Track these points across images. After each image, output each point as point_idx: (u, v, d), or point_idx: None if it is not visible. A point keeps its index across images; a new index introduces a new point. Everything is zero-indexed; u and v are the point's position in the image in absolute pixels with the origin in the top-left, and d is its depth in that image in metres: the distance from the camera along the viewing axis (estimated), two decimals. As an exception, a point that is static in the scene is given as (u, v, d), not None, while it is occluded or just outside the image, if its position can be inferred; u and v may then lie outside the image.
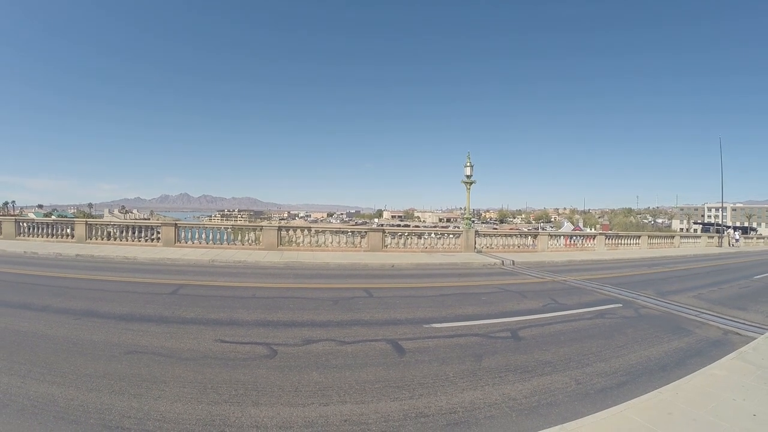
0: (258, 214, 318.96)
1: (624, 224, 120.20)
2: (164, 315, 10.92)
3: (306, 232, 29.16)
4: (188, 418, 5.79)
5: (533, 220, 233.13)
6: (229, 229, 29.83)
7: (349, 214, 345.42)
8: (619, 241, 40.61)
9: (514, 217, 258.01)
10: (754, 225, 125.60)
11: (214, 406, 6.11)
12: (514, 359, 8.42)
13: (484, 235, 32.99)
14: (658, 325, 11.70)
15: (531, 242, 34.27)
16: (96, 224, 30.30)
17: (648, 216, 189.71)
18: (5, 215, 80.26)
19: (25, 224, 31.02)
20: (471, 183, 31.33)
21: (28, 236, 29.79)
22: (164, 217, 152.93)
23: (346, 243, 28.88)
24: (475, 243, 30.76)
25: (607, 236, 39.92)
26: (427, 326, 10.60)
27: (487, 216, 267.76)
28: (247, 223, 58.97)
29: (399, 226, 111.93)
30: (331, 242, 28.66)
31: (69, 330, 9.50)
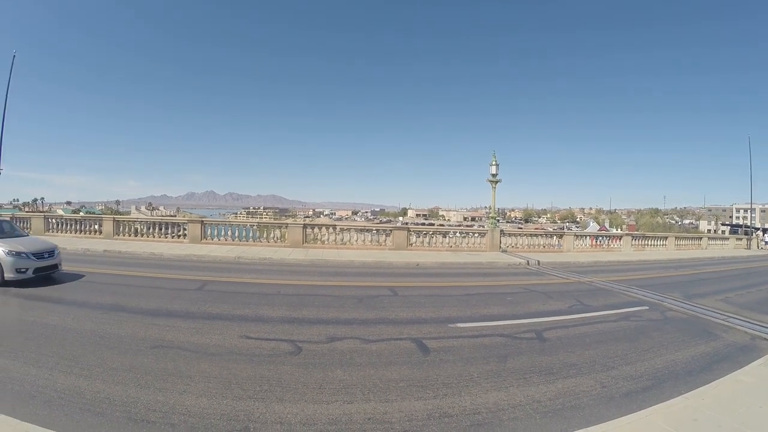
0: (283, 212, 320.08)
1: (650, 225, 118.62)
2: (190, 311, 11.05)
3: (331, 230, 29.34)
4: (213, 412, 5.82)
5: (558, 219, 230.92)
6: (255, 227, 30.02)
7: (373, 212, 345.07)
8: (646, 242, 39.94)
9: (539, 217, 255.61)
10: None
11: (238, 402, 6.14)
12: (539, 361, 8.34)
13: (509, 235, 32.79)
14: (685, 329, 11.51)
15: (556, 242, 33.94)
16: (123, 221, 30.83)
17: (675, 217, 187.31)
18: (34, 211, 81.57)
19: (53, 220, 31.74)
20: (496, 182, 31.17)
21: (57, 232, 30.31)
22: (190, 214, 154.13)
23: (370, 241, 28.91)
24: (501, 242, 30.57)
25: (633, 237, 39.40)
26: (451, 326, 10.57)
27: (512, 215, 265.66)
28: (272, 221, 59.31)
29: (423, 224, 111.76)
30: (356, 240, 28.71)
31: (96, 324, 9.66)
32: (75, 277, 15.15)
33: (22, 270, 13.41)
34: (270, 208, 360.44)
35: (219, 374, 7.08)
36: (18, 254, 13.50)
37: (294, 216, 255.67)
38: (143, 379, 6.81)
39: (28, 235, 16.45)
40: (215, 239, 28.21)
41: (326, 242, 28.22)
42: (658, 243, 40.90)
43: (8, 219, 17.32)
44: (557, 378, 7.54)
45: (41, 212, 60.27)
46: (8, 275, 13.20)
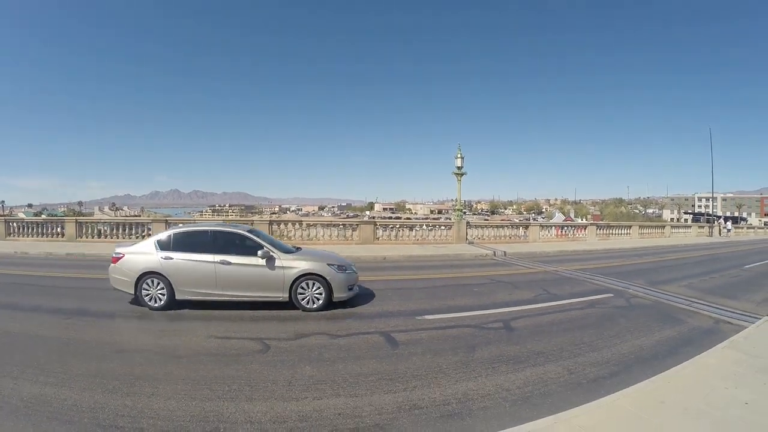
0: (249, 209, 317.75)
1: (615, 214, 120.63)
2: (155, 313, 10.91)
3: (297, 225, 29.17)
4: (182, 415, 5.77)
5: (524, 211, 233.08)
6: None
7: (340, 207, 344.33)
8: (610, 231, 40.62)
9: (506, 208, 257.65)
10: (744, 215, 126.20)
11: (207, 403, 6.10)
12: (507, 350, 8.44)
13: (476, 227, 33.03)
14: (650, 315, 11.73)
15: (522, 233, 34.20)
16: (86, 222, 30.32)
17: (639, 206, 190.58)
18: None
19: (14, 224, 30.87)
20: (462, 174, 31.39)
21: (18, 236, 29.64)
22: (155, 213, 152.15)
23: (337, 236, 28.86)
24: (467, 234, 30.79)
25: (598, 226, 40.07)
26: (419, 318, 10.63)
27: (478, 207, 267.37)
28: (238, 218, 58.86)
29: (390, 218, 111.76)
30: (323, 235, 28.69)
31: (60, 330, 9.49)
32: (38, 281, 14.89)
33: (352, 287, 12.16)
34: (236, 205, 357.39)
35: (187, 376, 7.04)
36: (345, 268, 12.06)
37: (260, 212, 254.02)
38: (110, 384, 6.72)
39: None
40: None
41: (293, 238, 27.99)
42: (623, 232, 41.58)
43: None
44: (525, 366, 7.64)
45: (1, 216, 58.84)
46: (339, 295, 11.63)
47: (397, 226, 30.86)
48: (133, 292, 11.17)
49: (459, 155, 31.11)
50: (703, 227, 56.55)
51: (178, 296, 11.04)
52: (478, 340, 9.07)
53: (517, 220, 70.57)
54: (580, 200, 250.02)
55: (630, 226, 43.63)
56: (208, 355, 7.97)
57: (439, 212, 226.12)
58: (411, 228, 31.01)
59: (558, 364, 7.77)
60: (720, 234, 56.74)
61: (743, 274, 20.62)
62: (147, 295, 11.06)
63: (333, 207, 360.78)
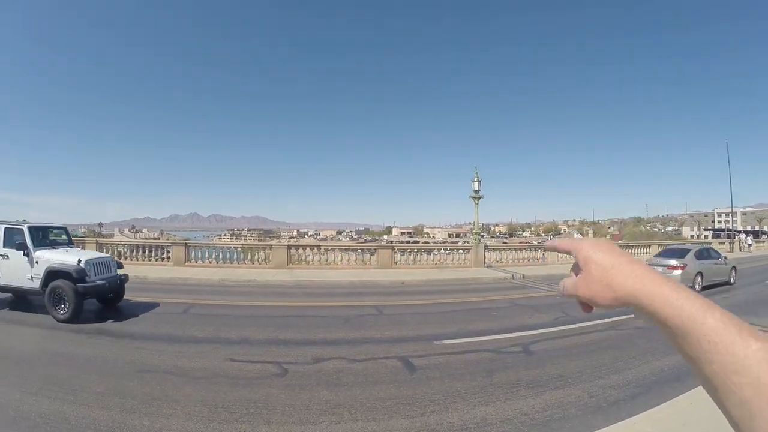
0: (267, 233, 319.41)
1: (634, 233, 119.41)
2: (175, 334, 10.98)
3: (315, 250, 29.25)
4: None
5: (542, 232, 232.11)
6: (239, 248, 29.99)
7: (358, 232, 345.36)
8: (630, 250, 39.88)
9: (523, 231, 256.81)
10: (766, 228, 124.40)
11: (225, 425, 6.10)
12: (526, 374, 8.36)
13: (494, 250, 32.93)
14: (671, 336, 11.52)
15: (541, 255, 33.97)
16: (106, 243, 30.56)
17: (658, 224, 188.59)
18: None
19: None
20: (479, 198, 31.35)
21: None
22: (174, 236, 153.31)
23: (355, 260, 28.90)
24: (485, 257, 30.63)
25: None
26: (437, 343, 10.56)
27: (496, 230, 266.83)
28: (256, 242, 59.25)
29: (408, 242, 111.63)
30: (341, 260, 28.69)
31: (81, 348, 9.61)
32: None
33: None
34: (254, 229, 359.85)
35: (205, 397, 7.03)
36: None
37: (278, 237, 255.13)
38: (129, 403, 6.75)
39: None
40: (199, 261, 28.01)
41: (311, 263, 28.19)
42: (642, 251, 41.13)
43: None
44: (544, 390, 7.55)
45: None
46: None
47: (415, 250, 30.74)
48: None
49: (476, 178, 31.09)
50: (723, 243, 55.76)
51: None
52: (497, 364, 9.01)
53: (536, 243, 70.26)
54: (598, 220, 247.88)
55: (649, 245, 43.08)
56: (226, 378, 7.98)
57: (457, 236, 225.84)
58: (429, 252, 30.92)
59: (578, 387, 7.67)
60: (741, 249, 56.00)
61: (765, 291, 20.34)
62: None
63: (351, 231, 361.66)
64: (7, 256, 13.13)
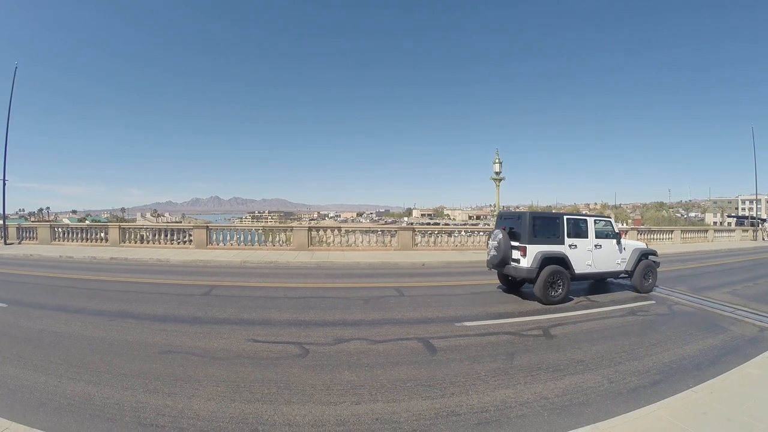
0: (288, 215, 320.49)
1: (656, 219, 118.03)
2: (197, 316, 11.10)
3: (336, 232, 29.29)
4: (222, 416, 5.86)
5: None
6: (260, 231, 30.19)
7: (378, 213, 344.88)
8: (652, 236, 39.65)
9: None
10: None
11: (247, 405, 6.18)
12: (546, 357, 8.35)
13: (515, 232, 32.65)
14: (692, 322, 11.45)
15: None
16: (129, 228, 31.10)
17: (680, 210, 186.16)
18: (40, 221, 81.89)
19: (59, 229, 32.35)
20: (500, 179, 31.10)
21: (63, 241, 30.92)
22: (196, 219, 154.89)
23: (376, 242, 28.95)
24: (507, 239, 30.12)
25: (639, 231, 39.08)
26: (458, 324, 10.56)
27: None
28: (277, 224, 59.56)
29: (429, 224, 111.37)
30: (362, 242, 28.74)
31: (104, 331, 9.74)
32: (83, 284, 15.28)
33: None
34: (275, 211, 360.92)
35: (227, 378, 7.13)
36: None
37: (299, 219, 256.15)
38: (152, 384, 6.87)
39: None
40: (221, 244, 28.32)
41: (332, 244, 28.26)
42: (664, 237, 40.68)
43: None
44: (564, 374, 7.53)
45: (47, 222, 61.04)
46: None
47: (436, 232, 30.65)
48: None
49: (497, 160, 30.82)
50: (747, 231, 54.60)
51: None
52: (518, 347, 8.99)
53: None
54: (620, 204, 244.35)
55: (672, 231, 42.60)
56: (248, 358, 8.07)
57: (478, 218, 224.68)
58: (449, 234, 30.78)
59: (597, 373, 7.64)
60: (764, 238, 54.90)
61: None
62: None
63: (371, 213, 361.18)
64: (600, 245, 14.65)
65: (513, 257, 13.72)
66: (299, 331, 9.88)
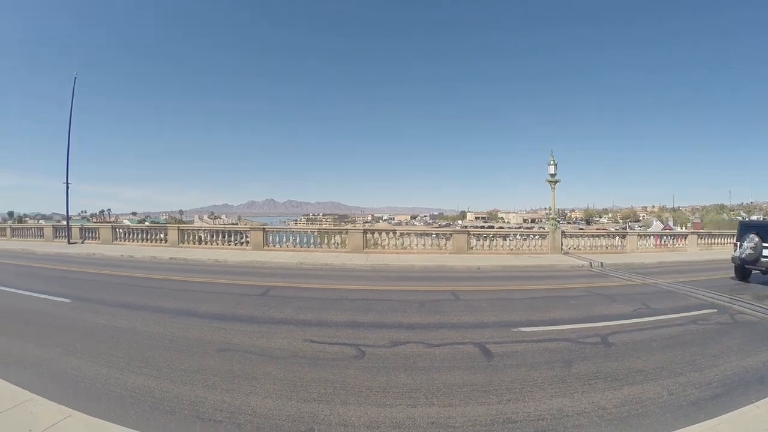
0: (342, 218, 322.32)
1: (716, 222, 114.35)
2: (255, 315, 11.32)
3: (391, 234, 29.40)
4: (278, 414, 5.95)
5: (620, 219, 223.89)
6: (315, 233, 30.51)
7: (432, 216, 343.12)
8: (712, 240, 38.15)
9: (601, 217, 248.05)
10: None
11: (303, 404, 6.25)
12: (604, 366, 8.14)
13: (571, 236, 32.16)
14: (756, 333, 10.98)
15: (619, 243, 32.90)
16: (187, 229, 32.09)
17: (742, 212, 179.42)
18: (102, 222, 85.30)
19: (120, 230, 34.09)
20: (555, 182, 30.68)
21: (124, 241, 32.37)
22: (251, 222, 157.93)
23: (431, 245, 28.83)
24: (562, 244, 29.93)
25: (699, 235, 37.76)
26: (515, 330, 10.44)
27: (572, 216, 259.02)
28: (332, 227, 60.20)
29: (483, 227, 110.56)
30: (416, 245, 28.64)
31: (165, 328, 10.04)
32: (144, 282, 15.92)
33: None
34: (329, 214, 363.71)
35: (284, 377, 7.24)
36: None
37: (353, 221, 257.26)
38: (210, 380, 7.05)
39: None
40: (277, 246, 28.73)
41: (386, 247, 28.32)
42: (726, 241, 39.18)
43: None
44: (623, 384, 7.34)
45: (108, 223, 63.49)
46: None
47: (491, 235, 30.41)
48: None
49: (552, 162, 30.38)
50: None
51: None
52: (575, 354, 8.81)
53: (613, 229, 67.99)
54: (678, 207, 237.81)
55: (733, 235, 41.00)
56: (305, 358, 8.16)
57: (532, 221, 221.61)
58: (504, 237, 30.49)
59: (657, 384, 7.39)
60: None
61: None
62: None
63: (425, 216, 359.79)
64: None
65: (764, 255, 18.42)
66: (356, 332, 9.94)
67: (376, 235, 29.36)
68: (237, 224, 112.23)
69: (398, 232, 29.58)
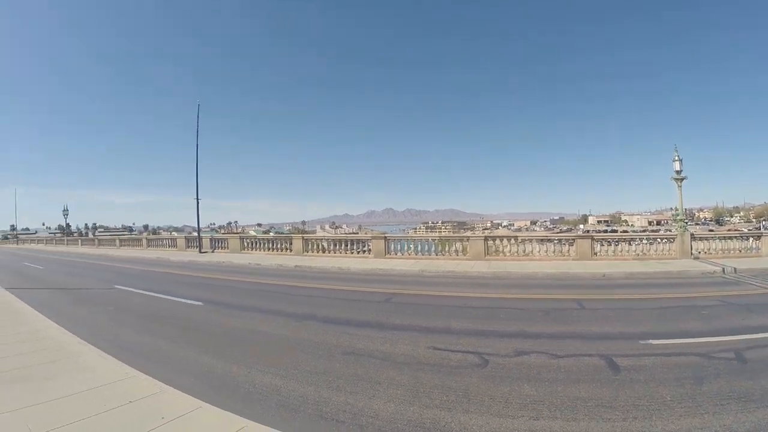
0: (461, 225, 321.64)
1: None
2: (378, 321, 11.60)
3: (512, 241, 28.89)
4: (400, 418, 6.09)
5: (753, 217, 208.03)
6: (436, 241, 30.66)
7: (552, 221, 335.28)
8: None
9: (731, 216, 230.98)
10: None
11: (425, 410, 6.34)
12: (738, 385, 7.57)
13: (700, 239, 29.89)
14: None
15: (753, 245, 30.15)
16: (311, 239, 33.66)
17: None
18: (230, 233, 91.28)
19: (247, 240, 37.08)
20: (681, 179, 28.96)
21: (251, 250, 34.97)
22: (372, 230, 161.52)
23: (553, 252, 28.08)
24: (691, 248, 27.95)
25: None
26: (643, 342, 9.99)
27: (700, 216, 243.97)
28: (452, 234, 60.33)
29: (606, 231, 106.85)
30: (538, 251, 28.01)
31: (291, 331, 10.62)
32: (272, 288, 16.96)
33: None
34: (448, 221, 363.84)
35: (407, 382, 7.38)
36: None
37: (472, 228, 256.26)
38: (335, 382, 7.35)
39: None
40: (398, 254, 29.24)
41: (507, 254, 27.93)
42: None
43: None
44: (758, 406, 6.78)
45: (236, 233, 67.84)
46: None
47: (615, 240, 29.14)
48: None
49: (677, 157, 28.77)
50: None
51: None
52: (706, 371, 8.27)
53: (746, 230, 62.86)
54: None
55: None
56: (428, 365, 8.25)
57: (657, 223, 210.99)
58: (629, 242, 28.85)
59: None
60: None
61: None
62: None
63: (545, 221, 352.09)
64: None
65: None
66: (478, 340, 9.95)
67: (497, 242, 28.98)
68: (358, 233, 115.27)
69: (519, 239, 29.16)
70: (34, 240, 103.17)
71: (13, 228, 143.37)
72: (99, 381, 7.27)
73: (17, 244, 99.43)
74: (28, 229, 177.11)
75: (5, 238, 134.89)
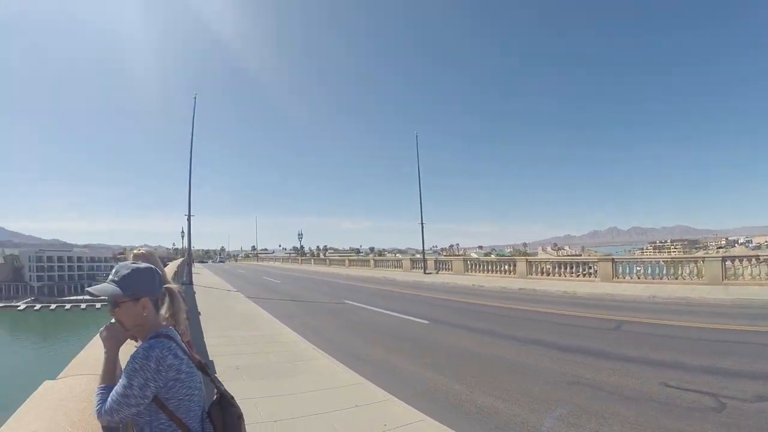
0: (692, 243, 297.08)
1: None
2: (606, 350, 11.13)
3: (754, 261, 25.49)
4: None
5: None
6: (665, 262, 28.88)
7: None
8: None
9: None
10: None
11: None
12: None
13: None
14: None
15: None
16: (534, 261, 33.81)
17: None
18: (452, 255, 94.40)
19: (470, 262, 38.69)
20: None
21: (473, 272, 36.15)
22: (595, 252, 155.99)
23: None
24: None
25: None
26: None
27: None
28: (681, 255, 56.29)
29: None
30: (787, 275, 24.60)
31: (514, 354, 10.64)
32: (493, 310, 17.42)
33: None
34: (677, 240, 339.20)
35: (634, 420, 6.94)
36: None
37: (705, 247, 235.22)
38: (557, 411, 7.22)
39: None
40: (627, 277, 27.76)
41: (747, 277, 24.49)
42: None
43: None
44: None
45: (459, 256, 69.98)
46: None
47: None
48: None
49: None
50: None
51: None
52: None
53: None
54: None
55: None
56: (657, 402, 7.71)
57: None
58: None
59: None
60: None
61: None
62: None
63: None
64: None
65: None
66: (714, 380, 8.89)
67: (737, 262, 26.01)
68: (580, 255, 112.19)
69: (760, 258, 26.07)
70: (272, 258, 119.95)
71: (254, 248, 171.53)
72: (329, 384, 8.18)
73: (257, 261, 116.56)
74: (266, 249, 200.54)
75: (247, 256, 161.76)
